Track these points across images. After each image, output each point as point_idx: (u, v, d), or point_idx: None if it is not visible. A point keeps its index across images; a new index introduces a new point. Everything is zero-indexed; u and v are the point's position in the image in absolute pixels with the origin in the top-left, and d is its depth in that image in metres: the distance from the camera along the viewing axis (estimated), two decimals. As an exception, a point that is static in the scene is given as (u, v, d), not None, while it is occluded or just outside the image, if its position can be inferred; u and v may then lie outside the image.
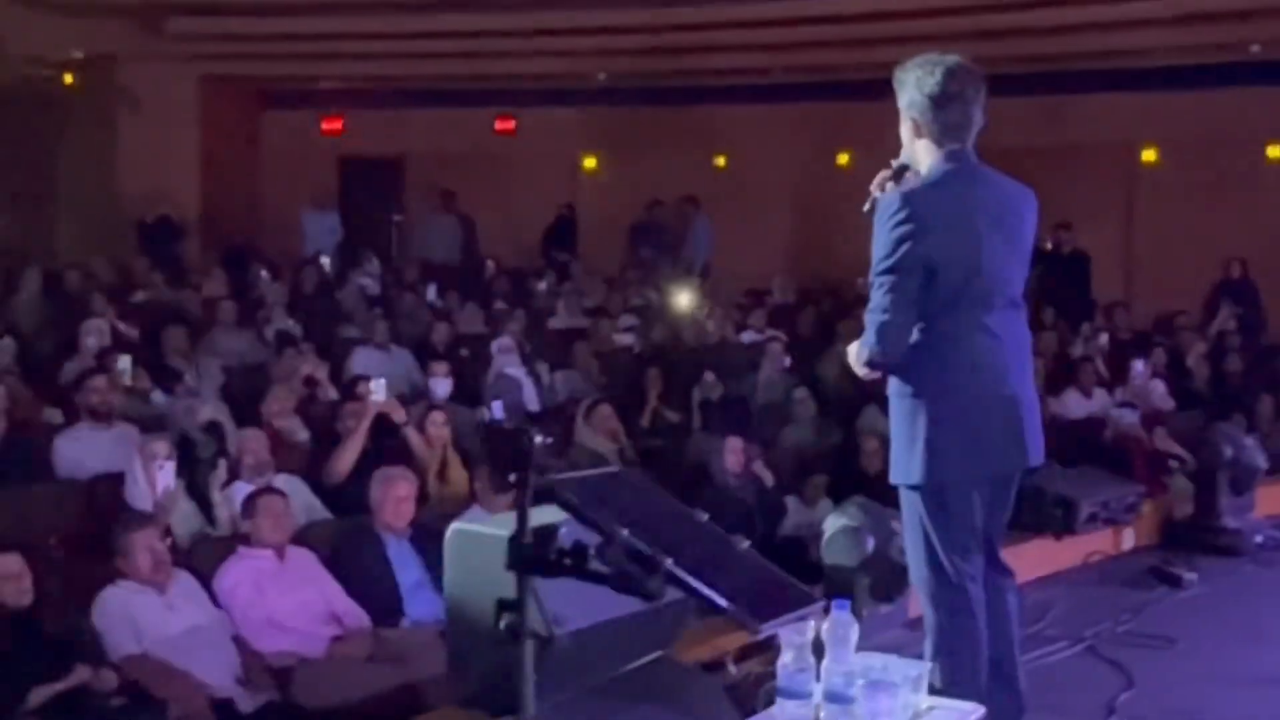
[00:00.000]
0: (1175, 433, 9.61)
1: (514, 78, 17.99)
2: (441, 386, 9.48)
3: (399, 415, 7.81)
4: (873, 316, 3.81)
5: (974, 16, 14.08)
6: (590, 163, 18.96)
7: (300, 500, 7.08)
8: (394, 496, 6.42)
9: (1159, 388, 11.39)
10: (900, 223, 3.76)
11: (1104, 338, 12.98)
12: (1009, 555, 4.24)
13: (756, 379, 11.12)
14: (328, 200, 17.62)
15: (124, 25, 15.62)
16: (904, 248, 3.76)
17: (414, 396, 10.10)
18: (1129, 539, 7.27)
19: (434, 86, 18.48)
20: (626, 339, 12.98)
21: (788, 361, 11.27)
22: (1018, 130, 16.53)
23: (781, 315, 14.30)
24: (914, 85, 3.93)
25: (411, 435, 7.81)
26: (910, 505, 4.00)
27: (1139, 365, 11.23)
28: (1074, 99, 16.62)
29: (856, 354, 3.90)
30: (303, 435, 8.47)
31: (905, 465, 3.94)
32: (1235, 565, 7.07)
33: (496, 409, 9.02)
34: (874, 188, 4.03)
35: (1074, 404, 10.94)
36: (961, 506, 3.93)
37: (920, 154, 3.95)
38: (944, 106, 3.89)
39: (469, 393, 10.39)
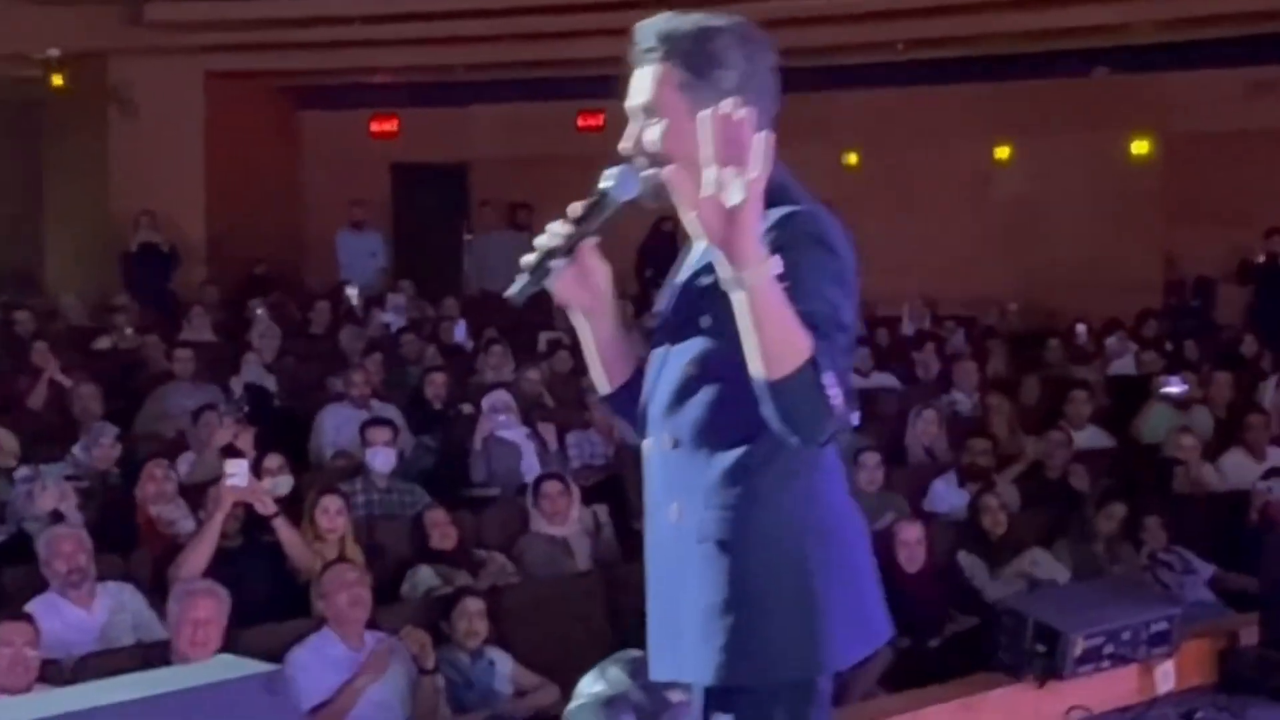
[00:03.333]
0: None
1: (602, 62, 17.40)
2: (380, 459, 9.10)
3: (262, 506, 7.44)
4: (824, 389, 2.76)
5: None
6: (693, 165, 18.28)
7: (124, 618, 6.86)
8: (190, 620, 6.00)
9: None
10: (843, 253, 2.93)
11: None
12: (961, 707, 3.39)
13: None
14: (367, 217, 17.44)
15: (107, 13, 15.46)
16: (836, 286, 2.88)
17: (407, 468, 9.90)
18: (1166, 679, 6.49)
19: (504, 76, 18.18)
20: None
21: (856, 419, 10.29)
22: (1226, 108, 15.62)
23: (897, 353, 13.79)
24: (740, 53, 3.04)
25: (283, 531, 7.45)
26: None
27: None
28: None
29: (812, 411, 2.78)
30: (186, 525, 8.16)
31: (755, 647, 3.00)
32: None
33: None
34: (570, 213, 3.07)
35: (1236, 469, 9.96)
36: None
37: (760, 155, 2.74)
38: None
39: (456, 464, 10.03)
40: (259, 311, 13.96)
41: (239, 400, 11.30)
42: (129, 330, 13.22)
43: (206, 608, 6.06)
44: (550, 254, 3.01)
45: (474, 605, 6.77)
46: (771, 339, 2.66)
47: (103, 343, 13.32)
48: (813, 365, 2.65)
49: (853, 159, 18.07)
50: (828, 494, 3.06)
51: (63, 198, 16.83)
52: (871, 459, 9.29)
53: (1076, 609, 6.25)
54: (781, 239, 2.80)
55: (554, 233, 3.03)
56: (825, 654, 2.98)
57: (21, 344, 12.57)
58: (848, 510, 3.11)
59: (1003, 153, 17.35)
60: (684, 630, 3.00)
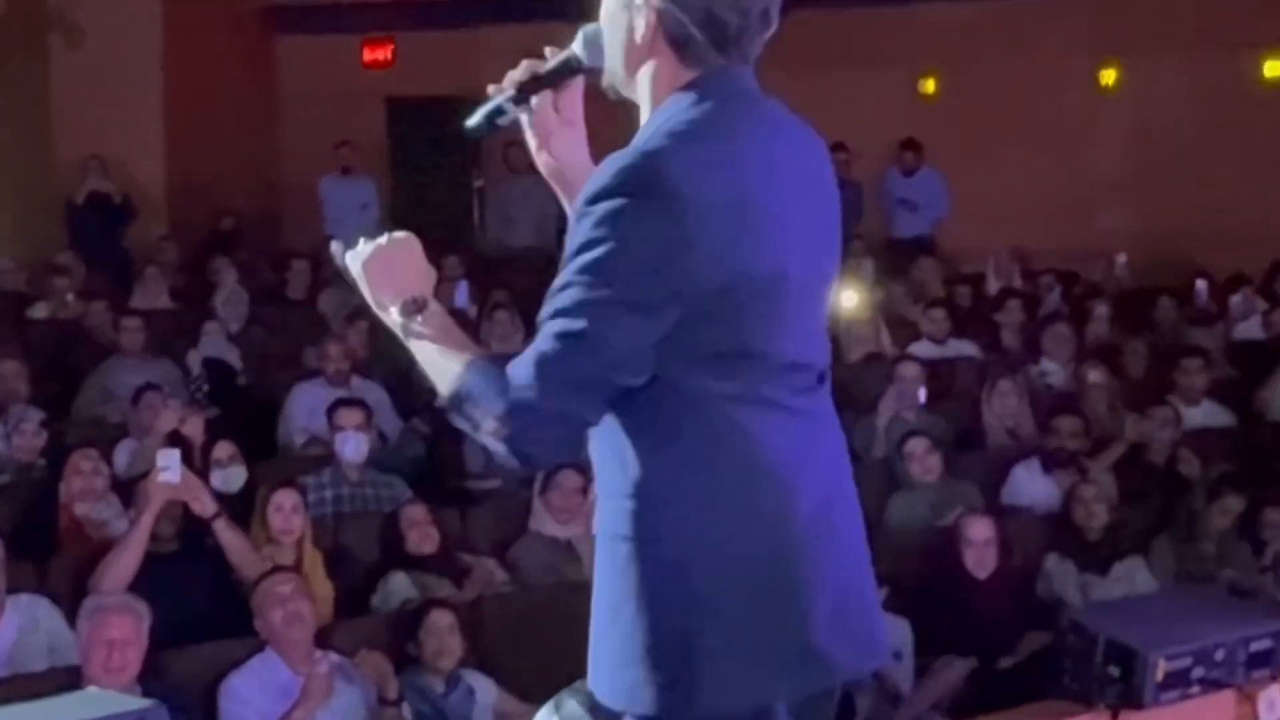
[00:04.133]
0: None
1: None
2: (350, 446, 9.11)
3: (199, 505, 7.45)
4: (547, 379, 2.96)
5: None
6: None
7: (37, 638, 6.88)
8: (102, 641, 5.99)
9: None
10: (638, 215, 2.95)
11: None
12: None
13: (874, 424, 10.38)
14: (356, 161, 17.37)
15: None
16: (645, 264, 2.95)
17: (385, 456, 9.93)
18: (1271, 708, 6.40)
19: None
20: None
21: (923, 395, 10.30)
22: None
23: (977, 316, 13.64)
24: None
25: (225, 534, 7.47)
26: None
27: None
28: None
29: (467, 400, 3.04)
30: (119, 526, 8.13)
31: (628, 679, 3.09)
32: None
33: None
34: (509, 81, 3.35)
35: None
36: None
37: (647, 71, 3.18)
38: None
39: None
40: (225, 273, 13.91)
41: (197, 378, 11.34)
42: (70, 296, 13.22)
43: (121, 626, 6.07)
44: (502, 105, 3.34)
45: (443, 620, 6.73)
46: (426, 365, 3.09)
47: (39, 311, 13.31)
48: (454, 400, 3.00)
49: (930, 86, 18.00)
50: (748, 495, 3.03)
51: (2, 148, 16.77)
52: (919, 445, 9.30)
53: (1159, 623, 6.19)
54: (582, 203, 2.98)
55: (511, 79, 3.33)
56: (702, 697, 3.00)
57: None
58: (786, 515, 3.06)
59: (1109, 76, 17.20)
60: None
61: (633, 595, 3.03)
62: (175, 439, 9.27)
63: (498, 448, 2.97)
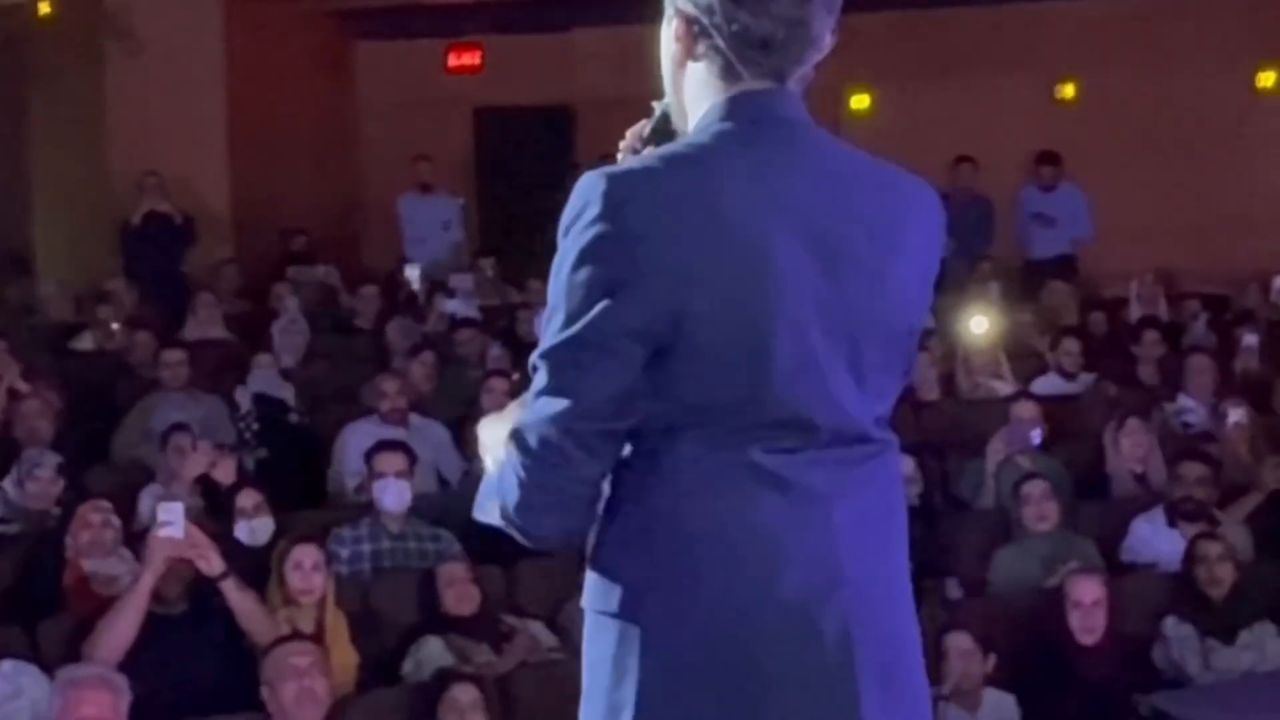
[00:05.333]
0: None
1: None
2: (390, 492, 8.95)
3: (205, 564, 7.32)
4: (522, 442, 3.01)
5: None
6: (861, 101, 18.45)
7: (19, 706, 6.79)
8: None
9: None
10: (593, 245, 2.94)
11: None
12: None
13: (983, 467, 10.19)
14: (437, 177, 17.33)
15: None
16: (602, 301, 2.93)
17: (445, 502, 9.82)
18: None
19: (615, -9, 17.99)
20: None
21: (1038, 436, 10.08)
22: None
23: (1113, 347, 13.38)
24: None
25: (234, 595, 7.36)
26: None
27: None
28: None
29: (479, 497, 3.12)
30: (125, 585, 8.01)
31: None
32: None
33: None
34: (623, 151, 3.34)
35: None
36: None
37: (691, 93, 3.19)
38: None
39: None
40: (286, 300, 13.91)
41: (245, 415, 11.24)
42: (115, 325, 13.18)
43: (96, 704, 6.02)
44: None
45: (465, 696, 6.58)
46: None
47: (84, 341, 13.33)
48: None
49: (1069, 91, 17.88)
50: (693, 580, 2.97)
51: (51, 156, 16.79)
52: (1036, 488, 9.14)
53: (1249, 709, 5.83)
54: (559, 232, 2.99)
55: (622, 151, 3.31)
56: None
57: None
58: (743, 607, 2.96)
59: (1268, 79, 17.08)
60: None
61: (613, 664, 3.04)
62: (206, 484, 9.30)
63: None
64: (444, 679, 6.79)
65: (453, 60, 19.32)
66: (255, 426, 11.14)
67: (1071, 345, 12.54)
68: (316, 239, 16.95)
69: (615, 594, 3.03)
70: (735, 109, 3.06)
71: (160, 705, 6.79)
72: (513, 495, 2.97)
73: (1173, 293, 15.11)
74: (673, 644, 2.98)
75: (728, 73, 3.08)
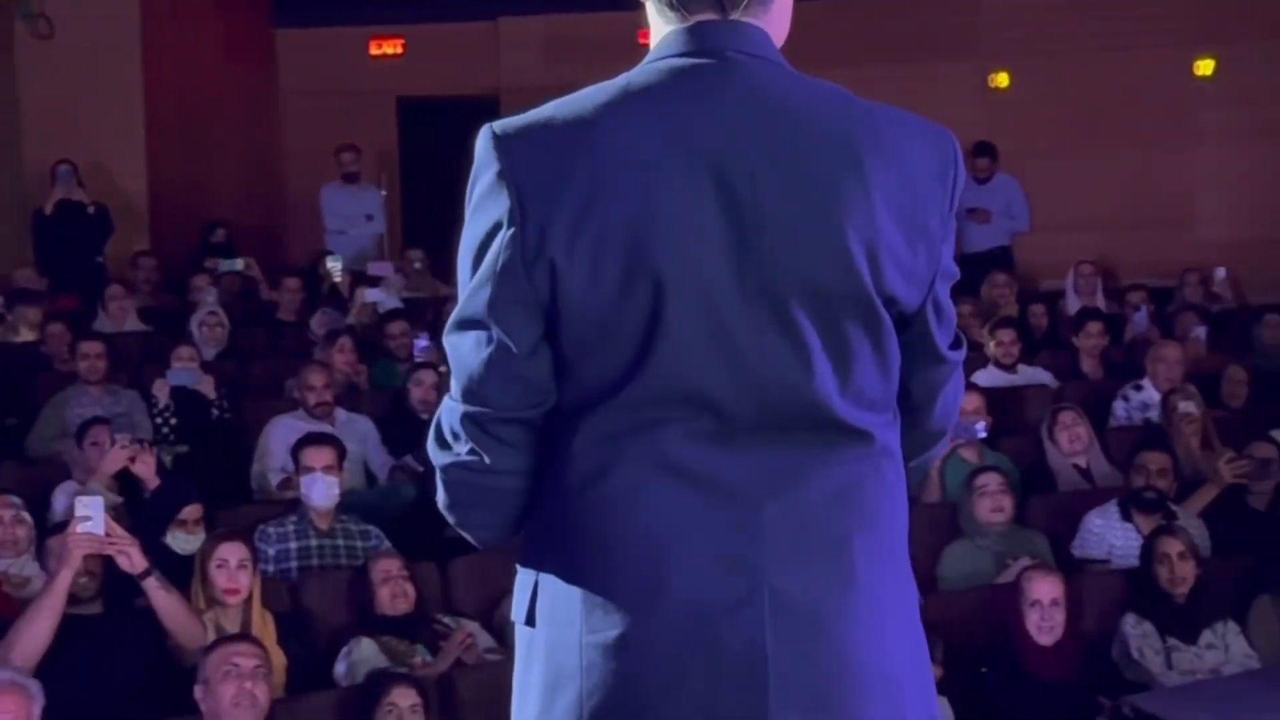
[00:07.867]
0: None
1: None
2: (317, 488, 8.70)
3: (128, 562, 7.07)
4: (439, 437, 2.94)
5: None
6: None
7: None
8: None
9: None
10: (485, 199, 2.75)
11: None
12: None
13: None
14: (360, 167, 17.16)
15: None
16: (500, 259, 2.72)
17: (372, 499, 9.85)
18: None
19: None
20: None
21: (983, 429, 10.11)
22: None
23: (1053, 339, 13.54)
24: None
25: (157, 594, 7.09)
26: None
27: None
28: None
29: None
30: (39, 586, 7.85)
31: None
32: None
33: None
34: None
35: None
36: None
37: (652, 34, 2.97)
38: None
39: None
40: (204, 292, 13.82)
41: (164, 410, 11.02)
42: (28, 318, 12.98)
43: (8, 710, 5.79)
44: None
45: (405, 700, 6.32)
46: None
47: (-3, 334, 13.13)
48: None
49: (1003, 80, 17.91)
50: (592, 579, 2.75)
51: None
52: (992, 481, 8.98)
53: (1229, 711, 5.66)
54: None
55: None
56: None
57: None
58: (636, 614, 2.73)
59: (1206, 67, 17.03)
60: None
61: (523, 671, 2.91)
62: (124, 480, 9.06)
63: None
64: (382, 681, 6.57)
65: (374, 49, 19.29)
66: (174, 421, 10.93)
67: (1006, 336, 12.35)
68: (237, 230, 16.80)
69: (521, 598, 2.86)
70: (665, 44, 2.85)
71: (76, 710, 6.59)
72: (440, 492, 2.90)
73: (1112, 284, 15.16)
74: (556, 657, 2.78)
75: (669, 5, 2.86)
